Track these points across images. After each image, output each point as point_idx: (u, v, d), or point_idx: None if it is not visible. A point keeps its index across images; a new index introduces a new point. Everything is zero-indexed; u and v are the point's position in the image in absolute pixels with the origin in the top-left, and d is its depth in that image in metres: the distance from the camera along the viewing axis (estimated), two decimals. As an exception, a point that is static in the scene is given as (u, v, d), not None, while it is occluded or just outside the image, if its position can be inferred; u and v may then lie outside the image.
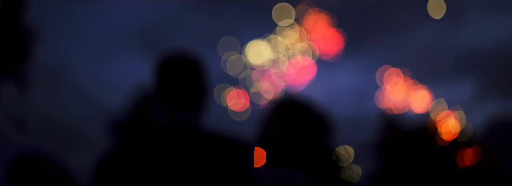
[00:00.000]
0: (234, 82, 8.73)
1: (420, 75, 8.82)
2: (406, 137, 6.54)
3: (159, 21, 8.61)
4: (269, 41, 8.88)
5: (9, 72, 4.53)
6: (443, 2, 8.79)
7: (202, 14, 8.68)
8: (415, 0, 8.82)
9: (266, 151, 2.81)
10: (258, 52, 8.91)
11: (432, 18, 8.76)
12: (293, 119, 2.97)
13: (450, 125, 7.40)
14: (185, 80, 2.61)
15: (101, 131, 6.49)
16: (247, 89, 8.80)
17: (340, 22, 8.89)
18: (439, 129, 7.03)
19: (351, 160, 6.17)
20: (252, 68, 8.87)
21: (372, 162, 6.41)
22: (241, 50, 8.82)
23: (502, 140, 6.54)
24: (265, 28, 8.85)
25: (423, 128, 6.96)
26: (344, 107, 8.79)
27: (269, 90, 8.80)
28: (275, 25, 8.86)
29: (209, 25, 8.70)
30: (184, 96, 2.59)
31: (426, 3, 8.74)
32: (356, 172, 6.21)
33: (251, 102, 8.68)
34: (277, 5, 8.84)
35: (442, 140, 6.81)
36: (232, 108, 8.66)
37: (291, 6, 8.87)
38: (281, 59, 8.89)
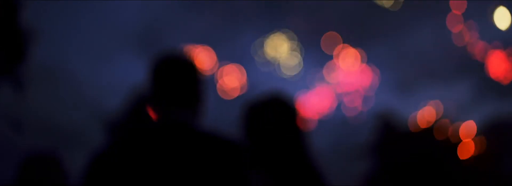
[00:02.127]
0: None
1: (416, 76, 8.82)
2: (403, 137, 6.54)
3: (159, 22, 8.60)
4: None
5: (6, 73, 4.52)
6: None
7: (204, 15, 8.67)
8: (412, 0, 8.82)
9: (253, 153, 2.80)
10: (277, 44, 8.65)
11: (428, 18, 8.75)
12: (258, 122, 2.94)
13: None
14: (180, 79, 2.61)
15: (99, 131, 6.48)
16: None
17: (338, 21, 8.83)
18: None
19: None
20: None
21: (368, 163, 6.41)
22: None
23: (500, 141, 6.53)
24: (272, 29, 8.80)
25: (420, 129, 6.96)
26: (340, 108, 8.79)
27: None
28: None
29: (211, 25, 8.69)
30: (179, 95, 2.60)
31: (423, 3, 8.75)
32: None
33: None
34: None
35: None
36: None
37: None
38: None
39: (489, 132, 6.69)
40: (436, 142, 6.60)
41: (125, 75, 7.46)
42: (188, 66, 2.61)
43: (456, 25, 8.74)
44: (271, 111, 2.95)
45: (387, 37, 8.73)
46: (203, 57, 8.15)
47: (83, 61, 8.21)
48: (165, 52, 2.65)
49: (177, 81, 2.57)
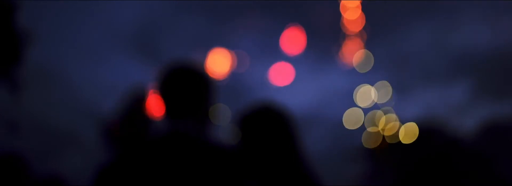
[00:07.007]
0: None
1: (412, 78, 8.83)
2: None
3: (154, 24, 8.59)
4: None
5: (1, 74, 4.51)
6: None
7: (199, 16, 8.66)
8: (408, 0, 8.81)
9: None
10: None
11: (424, 19, 8.75)
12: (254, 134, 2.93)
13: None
14: (188, 90, 2.59)
15: (94, 134, 6.47)
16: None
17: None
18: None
19: None
20: None
21: (365, 164, 6.41)
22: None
23: (495, 143, 6.55)
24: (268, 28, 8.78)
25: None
26: (336, 109, 8.79)
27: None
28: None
29: (206, 27, 8.68)
30: (186, 105, 2.58)
31: (420, 4, 8.74)
32: None
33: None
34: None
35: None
36: None
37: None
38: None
39: (483, 135, 6.70)
40: (433, 145, 6.61)
41: (121, 77, 7.45)
42: (197, 77, 2.57)
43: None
44: (264, 120, 2.95)
45: (385, 39, 8.74)
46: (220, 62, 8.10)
47: (77, 63, 8.20)
48: (176, 62, 2.61)
49: (185, 91, 2.54)
